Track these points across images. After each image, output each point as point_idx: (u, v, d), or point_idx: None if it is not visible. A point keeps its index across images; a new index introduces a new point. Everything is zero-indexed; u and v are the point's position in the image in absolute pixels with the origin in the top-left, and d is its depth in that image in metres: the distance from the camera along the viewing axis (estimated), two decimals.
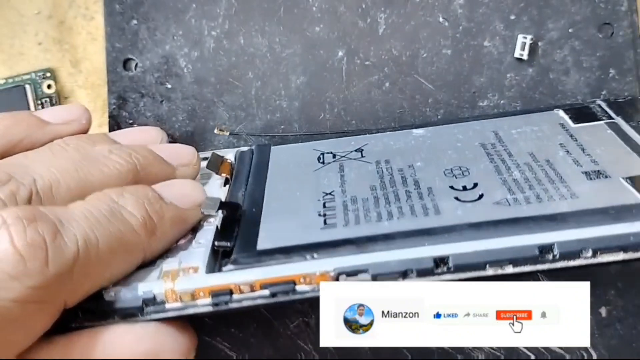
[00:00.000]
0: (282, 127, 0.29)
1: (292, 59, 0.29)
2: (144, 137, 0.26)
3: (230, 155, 0.26)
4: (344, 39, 0.29)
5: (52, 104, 0.30)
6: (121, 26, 0.29)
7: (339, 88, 0.29)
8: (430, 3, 0.28)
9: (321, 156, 0.25)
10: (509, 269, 0.18)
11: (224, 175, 0.25)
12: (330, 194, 0.22)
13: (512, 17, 0.28)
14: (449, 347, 0.29)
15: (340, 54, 0.29)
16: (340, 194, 0.22)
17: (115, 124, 0.30)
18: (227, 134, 0.29)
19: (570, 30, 0.28)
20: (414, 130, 0.26)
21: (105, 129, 0.30)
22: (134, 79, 0.30)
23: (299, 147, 0.26)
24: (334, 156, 0.25)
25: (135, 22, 0.29)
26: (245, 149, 0.27)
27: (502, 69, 0.28)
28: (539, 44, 0.28)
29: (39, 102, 0.30)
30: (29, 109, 0.30)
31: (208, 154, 0.26)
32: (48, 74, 0.30)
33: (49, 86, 0.30)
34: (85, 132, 0.25)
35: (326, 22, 0.29)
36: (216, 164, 0.25)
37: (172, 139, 0.29)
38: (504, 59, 0.28)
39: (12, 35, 0.31)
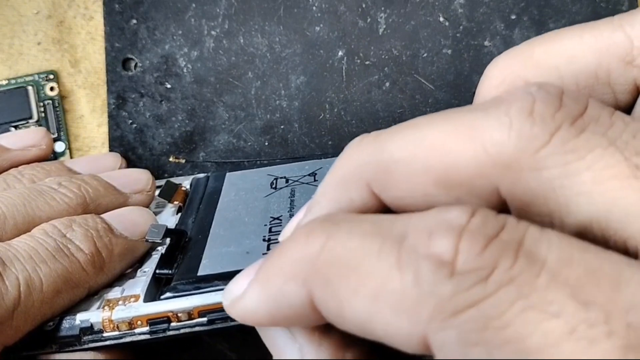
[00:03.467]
0: (282, 127, 0.29)
1: (292, 58, 0.29)
2: (101, 164, 0.27)
3: (187, 182, 0.27)
4: (344, 39, 0.29)
5: (54, 107, 0.30)
6: (120, 26, 0.29)
7: (339, 88, 0.29)
8: (431, 3, 0.28)
9: (274, 181, 0.25)
10: None
11: (176, 203, 0.25)
12: (277, 218, 0.22)
13: (513, 17, 0.28)
14: None
15: (340, 53, 0.29)
16: (288, 218, 0.22)
17: (115, 123, 0.29)
18: (183, 161, 0.29)
19: None
20: None
21: (105, 129, 0.30)
22: (133, 79, 0.30)
23: (254, 172, 0.26)
24: (287, 181, 0.25)
25: (134, 21, 0.29)
26: (201, 175, 0.27)
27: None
28: None
29: (41, 104, 0.30)
30: (30, 111, 0.30)
31: (163, 182, 0.26)
32: (51, 76, 0.30)
33: (51, 88, 0.30)
34: (45, 156, 0.26)
35: (326, 22, 0.29)
36: (169, 192, 0.26)
37: (172, 139, 0.29)
38: None
39: (11, 35, 0.31)
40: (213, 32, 0.29)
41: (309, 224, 0.14)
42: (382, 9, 0.29)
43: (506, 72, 0.16)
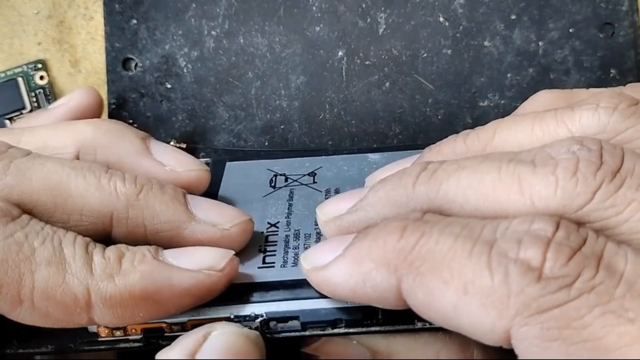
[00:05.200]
0: (282, 127, 0.29)
1: (292, 58, 0.29)
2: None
3: None
4: (344, 39, 0.29)
5: (45, 95, 0.30)
6: (121, 26, 0.29)
7: (339, 88, 0.29)
8: (431, 3, 0.28)
9: (273, 178, 0.25)
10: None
11: None
12: (274, 225, 0.22)
13: (513, 17, 0.28)
14: None
15: (340, 53, 0.29)
16: (285, 226, 0.22)
17: None
18: (184, 145, 0.29)
19: (571, 30, 0.28)
20: (370, 155, 0.26)
21: None
22: (133, 79, 0.30)
23: (254, 164, 0.26)
24: (286, 179, 0.25)
25: (134, 21, 0.29)
26: (202, 161, 0.27)
27: (503, 68, 0.28)
28: (540, 43, 0.28)
29: (33, 94, 0.30)
30: (23, 102, 0.30)
31: None
32: (40, 66, 0.30)
33: (41, 77, 0.30)
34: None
35: (326, 22, 0.29)
36: None
37: (172, 139, 0.29)
38: (504, 59, 0.28)
39: (11, 35, 0.31)
40: (213, 32, 0.29)
41: (402, 219, 0.16)
42: (382, 9, 0.29)
43: None
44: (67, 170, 0.18)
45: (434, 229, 0.15)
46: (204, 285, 0.17)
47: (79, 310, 0.16)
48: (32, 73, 0.30)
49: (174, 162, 0.22)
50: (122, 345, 0.19)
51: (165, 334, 0.18)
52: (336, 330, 0.18)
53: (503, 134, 0.18)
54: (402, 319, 0.18)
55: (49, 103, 0.30)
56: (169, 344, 0.18)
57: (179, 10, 0.29)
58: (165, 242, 0.19)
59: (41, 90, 0.30)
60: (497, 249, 0.14)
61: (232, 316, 0.18)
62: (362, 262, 0.16)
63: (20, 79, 0.30)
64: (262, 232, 0.21)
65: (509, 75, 0.28)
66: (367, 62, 0.29)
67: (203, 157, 0.29)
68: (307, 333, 0.19)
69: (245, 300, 0.18)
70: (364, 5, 0.29)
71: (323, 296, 0.18)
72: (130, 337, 0.19)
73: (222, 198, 0.24)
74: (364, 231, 0.16)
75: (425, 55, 0.28)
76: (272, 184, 0.24)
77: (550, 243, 0.14)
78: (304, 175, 0.25)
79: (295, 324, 0.18)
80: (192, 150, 0.29)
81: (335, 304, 0.18)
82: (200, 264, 0.17)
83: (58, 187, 0.18)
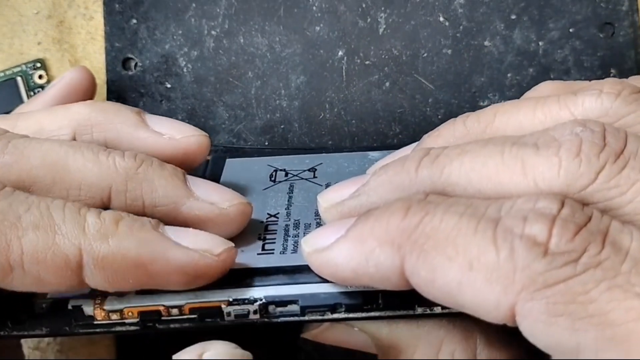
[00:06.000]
0: (282, 126, 0.29)
1: (292, 58, 0.29)
2: None
3: None
4: (344, 39, 0.29)
5: None
6: (121, 26, 0.29)
7: (339, 88, 0.29)
8: (431, 3, 0.28)
9: (274, 173, 0.25)
10: (438, 309, 0.18)
11: None
12: (274, 215, 0.22)
13: (513, 17, 0.28)
14: None
15: (340, 53, 0.29)
16: (285, 216, 0.22)
17: None
18: None
19: (571, 30, 0.28)
20: (371, 153, 0.26)
21: None
22: (133, 79, 0.30)
23: (254, 161, 0.26)
24: (286, 174, 0.25)
25: (134, 21, 0.29)
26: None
27: (503, 68, 0.28)
28: (540, 43, 0.28)
29: (32, 93, 0.30)
30: (22, 101, 0.30)
31: None
32: (38, 65, 0.30)
33: (40, 76, 0.30)
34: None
35: (326, 21, 0.29)
36: None
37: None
38: (504, 59, 0.28)
39: (11, 35, 0.31)
40: (213, 32, 0.29)
41: (405, 200, 0.15)
42: (382, 9, 0.29)
43: None
44: (65, 148, 0.18)
45: (438, 208, 0.15)
46: (198, 266, 0.17)
47: (70, 273, 0.16)
48: (31, 72, 0.30)
49: (172, 131, 0.21)
50: (119, 328, 0.19)
51: (163, 318, 0.18)
52: (336, 315, 0.18)
53: (504, 117, 0.18)
54: (402, 305, 0.18)
55: None
56: (166, 328, 0.18)
57: (179, 10, 0.29)
58: (164, 216, 0.18)
59: (40, 90, 0.30)
60: (502, 225, 0.14)
61: (230, 299, 0.18)
62: (365, 242, 0.16)
63: (19, 78, 0.30)
64: (262, 222, 0.21)
65: (509, 75, 0.28)
66: (367, 62, 0.29)
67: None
68: (306, 318, 0.18)
69: (244, 284, 0.18)
70: (364, 5, 0.29)
71: (323, 281, 0.18)
72: (126, 321, 0.18)
73: None
74: (367, 213, 0.16)
75: (425, 55, 0.28)
76: (272, 179, 0.24)
77: (555, 219, 0.14)
78: (305, 170, 0.25)
79: (294, 308, 0.18)
80: None
81: (335, 289, 0.18)
82: (198, 244, 0.17)
83: (56, 163, 0.18)
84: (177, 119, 0.29)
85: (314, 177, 0.24)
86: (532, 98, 0.18)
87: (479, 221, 0.14)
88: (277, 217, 0.22)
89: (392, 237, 0.15)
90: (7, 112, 0.30)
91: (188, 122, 0.29)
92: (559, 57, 0.28)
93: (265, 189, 0.24)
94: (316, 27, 0.29)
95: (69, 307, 0.19)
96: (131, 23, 0.29)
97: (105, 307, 0.18)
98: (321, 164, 0.25)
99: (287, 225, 0.21)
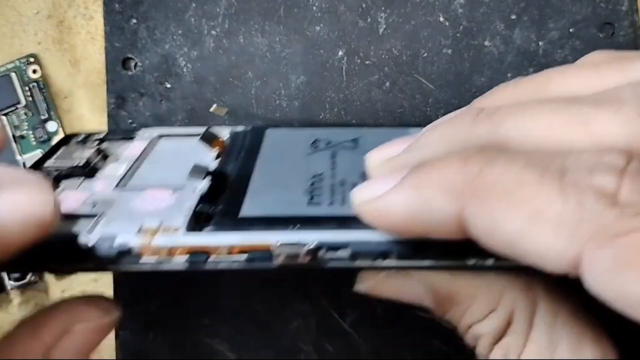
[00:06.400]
0: (282, 126, 0.29)
1: (292, 58, 0.29)
2: None
3: (225, 132, 0.26)
4: (344, 39, 0.29)
5: (39, 89, 0.30)
6: (120, 25, 0.29)
7: (339, 88, 0.29)
8: (431, 3, 0.28)
9: (315, 142, 0.24)
10: (490, 262, 0.17)
11: (216, 148, 0.24)
12: (319, 175, 0.22)
13: (513, 17, 0.28)
14: (448, 348, 0.28)
15: (340, 53, 0.29)
16: (330, 176, 0.21)
17: (114, 123, 0.29)
18: (224, 113, 0.28)
19: (571, 30, 0.28)
20: (411, 129, 0.26)
21: (105, 128, 0.30)
22: (133, 79, 0.29)
23: (295, 131, 0.26)
24: (328, 143, 0.24)
25: (134, 21, 0.29)
26: (240, 128, 0.26)
27: (503, 68, 0.28)
28: (540, 43, 0.28)
29: (27, 87, 0.30)
30: (17, 96, 0.30)
31: (201, 129, 0.26)
32: (32, 59, 0.30)
33: (34, 71, 0.30)
34: None
35: (326, 21, 0.29)
36: (210, 138, 0.25)
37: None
38: (504, 59, 0.28)
39: (11, 34, 0.31)
40: (213, 32, 0.29)
41: (462, 152, 0.15)
42: (382, 8, 0.29)
43: None
44: None
45: (498, 159, 0.15)
46: None
47: None
48: (24, 67, 0.30)
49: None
50: (166, 267, 0.18)
51: (210, 260, 0.18)
52: (387, 263, 0.18)
53: (560, 80, 0.17)
54: (454, 255, 0.17)
55: (43, 96, 0.30)
56: (214, 268, 0.18)
57: (178, 9, 0.29)
58: None
59: (35, 84, 0.30)
60: (569, 177, 0.14)
61: (280, 243, 0.18)
62: (422, 190, 0.15)
63: (13, 74, 0.30)
64: (307, 180, 0.21)
65: (509, 75, 0.28)
66: (367, 62, 0.29)
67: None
68: (356, 264, 0.18)
69: (292, 228, 0.18)
70: (364, 5, 0.29)
71: (375, 229, 0.18)
72: (174, 259, 0.18)
73: (264, 156, 0.23)
74: (422, 164, 0.16)
75: (425, 55, 0.28)
76: (314, 146, 0.24)
77: (624, 172, 0.13)
78: (347, 141, 0.24)
79: (344, 253, 0.18)
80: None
81: (387, 237, 0.18)
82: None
83: None
84: (177, 119, 0.29)
85: (357, 146, 0.24)
86: (588, 63, 0.18)
87: (543, 172, 0.14)
88: (322, 177, 0.21)
89: (451, 185, 0.15)
90: (3, 108, 0.30)
91: (188, 122, 0.29)
92: (559, 57, 0.28)
93: (308, 154, 0.23)
94: (316, 27, 0.29)
95: (115, 243, 0.18)
96: (131, 23, 0.29)
97: (153, 245, 0.18)
98: (362, 136, 0.25)
99: (332, 184, 0.21)
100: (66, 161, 0.23)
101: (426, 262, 0.18)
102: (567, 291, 0.19)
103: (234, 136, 0.26)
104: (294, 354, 0.29)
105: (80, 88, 0.31)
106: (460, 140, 0.16)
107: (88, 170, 0.23)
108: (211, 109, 0.28)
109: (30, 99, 0.30)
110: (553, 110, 0.15)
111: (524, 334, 0.19)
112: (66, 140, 0.26)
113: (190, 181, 0.21)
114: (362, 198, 0.17)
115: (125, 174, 0.23)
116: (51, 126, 0.30)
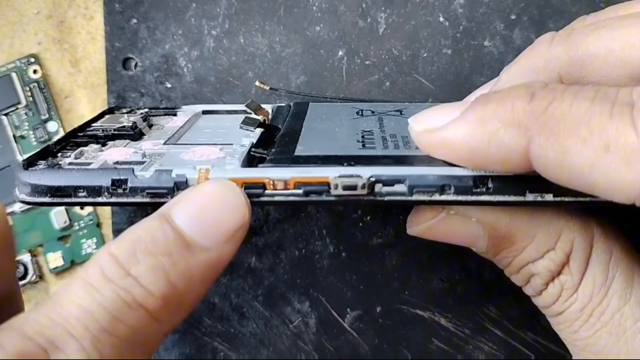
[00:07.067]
0: None
1: (292, 58, 0.29)
2: None
3: (268, 107, 0.26)
4: (344, 39, 0.29)
5: (40, 89, 0.30)
6: (121, 25, 0.29)
7: (339, 88, 0.29)
8: (431, 3, 0.28)
9: (360, 111, 0.25)
10: (549, 197, 0.17)
11: (262, 117, 0.25)
12: (368, 131, 0.22)
13: (513, 17, 0.28)
14: (449, 348, 0.29)
15: (340, 53, 0.29)
16: (379, 132, 0.22)
17: None
18: (267, 88, 0.29)
19: None
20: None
21: None
22: (133, 78, 0.30)
23: (337, 105, 0.26)
24: (374, 112, 0.24)
25: (135, 21, 0.29)
26: (282, 104, 0.27)
27: (503, 68, 0.28)
28: None
29: (27, 88, 0.30)
30: (18, 96, 0.30)
31: (241, 106, 0.26)
32: (32, 60, 0.30)
33: (34, 71, 0.30)
34: None
35: (326, 21, 0.29)
36: (255, 107, 0.25)
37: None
38: (504, 59, 0.28)
39: (11, 35, 0.31)
40: (213, 32, 0.29)
41: (528, 86, 0.15)
42: (382, 9, 0.29)
43: None
44: None
45: (566, 93, 0.15)
46: None
47: None
48: (25, 68, 0.30)
49: None
50: None
51: (267, 191, 0.18)
52: (444, 197, 0.18)
53: (633, 6, 0.18)
54: (513, 190, 0.18)
55: (44, 96, 0.30)
56: (270, 201, 0.18)
57: (179, 9, 0.29)
58: None
59: (35, 84, 0.30)
60: (639, 109, 0.14)
61: (338, 175, 0.18)
62: (488, 123, 0.15)
63: (14, 74, 0.30)
64: (357, 133, 0.21)
65: None
66: (367, 62, 0.29)
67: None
68: (413, 198, 0.18)
69: (350, 164, 0.18)
70: (364, 5, 0.29)
71: (431, 165, 0.18)
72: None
73: (310, 120, 0.24)
74: (484, 96, 0.16)
75: (425, 55, 0.28)
76: (359, 114, 0.24)
77: None
78: (391, 110, 0.24)
79: (401, 187, 0.18)
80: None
81: (444, 171, 0.18)
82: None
83: None
84: None
85: (401, 115, 0.24)
86: None
87: (612, 105, 0.14)
88: (372, 132, 0.22)
89: (519, 119, 0.15)
90: (4, 108, 0.30)
91: None
92: None
93: (353, 118, 0.23)
94: (316, 27, 0.29)
95: (172, 175, 0.19)
96: (131, 23, 0.29)
97: (209, 177, 0.18)
98: (406, 108, 0.25)
99: (383, 137, 0.21)
100: (113, 124, 0.23)
101: (484, 198, 0.18)
102: (619, 229, 0.19)
103: (277, 108, 0.26)
104: (294, 354, 0.29)
105: (80, 88, 0.31)
106: (539, 67, 0.16)
107: (135, 133, 0.23)
108: (256, 83, 0.29)
109: (31, 98, 0.30)
110: (635, 22, 0.15)
111: (580, 272, 0.19)
112: (110, 110, 0.26)
113: (239, 138, 0.21)
114: (421, 127, 0.17)
115: (172, 136, 0.23)
116: (52, 126, 0.30)
